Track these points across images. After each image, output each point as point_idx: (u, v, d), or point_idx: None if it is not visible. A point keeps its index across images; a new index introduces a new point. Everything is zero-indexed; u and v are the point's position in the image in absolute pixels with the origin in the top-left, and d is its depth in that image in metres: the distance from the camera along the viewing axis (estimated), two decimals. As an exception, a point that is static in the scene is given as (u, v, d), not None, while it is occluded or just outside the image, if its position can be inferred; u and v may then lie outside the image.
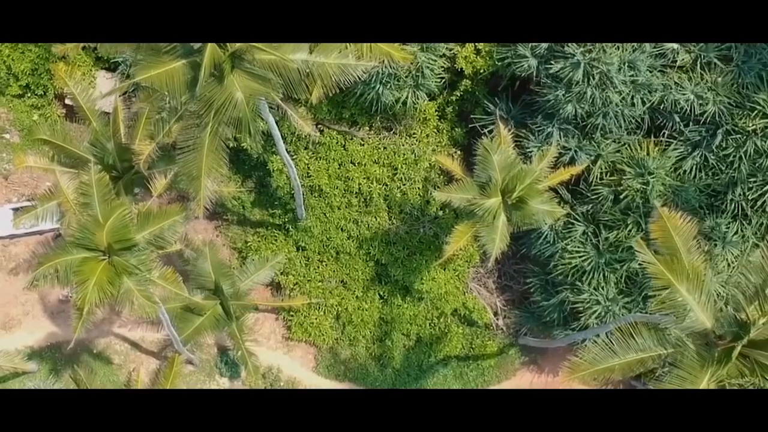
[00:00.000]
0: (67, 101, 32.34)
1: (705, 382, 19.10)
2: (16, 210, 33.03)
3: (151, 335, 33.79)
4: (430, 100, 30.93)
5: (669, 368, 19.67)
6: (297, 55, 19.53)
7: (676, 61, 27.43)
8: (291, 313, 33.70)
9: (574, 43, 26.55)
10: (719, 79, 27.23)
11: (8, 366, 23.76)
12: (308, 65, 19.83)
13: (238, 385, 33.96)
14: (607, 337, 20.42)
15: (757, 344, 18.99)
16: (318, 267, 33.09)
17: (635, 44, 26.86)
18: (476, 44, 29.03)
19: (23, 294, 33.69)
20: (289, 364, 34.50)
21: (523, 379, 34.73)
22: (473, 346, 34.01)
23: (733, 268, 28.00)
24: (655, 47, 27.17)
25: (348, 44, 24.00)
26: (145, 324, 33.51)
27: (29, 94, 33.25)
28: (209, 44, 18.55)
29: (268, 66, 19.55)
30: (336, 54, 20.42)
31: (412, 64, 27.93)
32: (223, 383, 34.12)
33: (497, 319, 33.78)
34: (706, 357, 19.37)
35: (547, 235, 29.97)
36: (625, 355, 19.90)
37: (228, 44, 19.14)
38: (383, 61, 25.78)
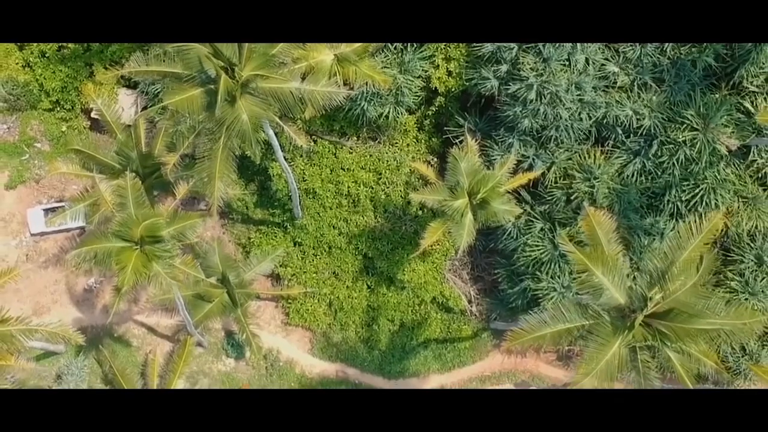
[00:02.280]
0: (92, 115, 37.91)
1: (616, 345, 24.61)
2: (46, 210, 38.75)
3: (165, 321, 39.21)
4: (409, 114, 36.54)
5: (588, 336, 25.20)
6: (291, 83, 25.12)
7: (617, 82, 33.01)
8: (289, 301, 39.15)
9: (528, 68, 32.13)
10: (654, 98, 32.79)
11: (62, 333, 29.00)
12: (300, 92, 25.42)
13: (242, 364, 39.36)
14: (542, 312, 25.91)
15: (657, 315, 24.54)
16: (313, 260, 38.56)
17: (581, 68, 32.43)
18: (448, 66, 34.63)
19: (52, 284, 39.27)
20: (288, 346, 39.85)
21: (495, 359, 40.09)
22: (450, 330, 39.42)
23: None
24: (598, 70, 32.78)
25: (335, 71, 29.74)
26: (160, 311, 39.17)
27: (58, 109, 38.90)
28: (223, 75, 24.14)
29: (269, 92, 25.18)
30: (323, 82, 26.00)
31: (392, 84, 33.53)
32: (229, 363, 39.50)
33: (471, 306, 39.25)
34: (618, 326, 24.92)
35: (510, 231, 35.48)
36: (555, 326, 25.39)
37: (237, 74, 24.75)
38: (367, 83, 31.54)
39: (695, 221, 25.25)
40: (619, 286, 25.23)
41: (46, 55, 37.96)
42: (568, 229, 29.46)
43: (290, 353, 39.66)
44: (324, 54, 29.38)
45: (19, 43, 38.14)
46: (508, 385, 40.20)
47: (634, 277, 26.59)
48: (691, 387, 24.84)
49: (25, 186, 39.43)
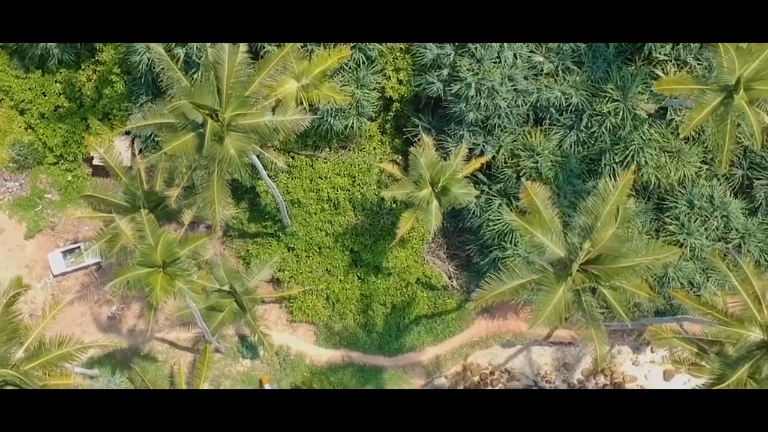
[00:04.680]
0: (94, 162, 44.41)
1: (561, 291, 31.18)
2: (65, 253, 45.23)
3: (184, 334, 45.66)
4: (371, 122, 43.12)
5: (538, 287, 31.81)
6: (265, 117, 31.66)
7: (543, 69, 39.63)
8: (290, 300, 45.64)
9: (465, 69, 38.70)
10: (577, 78, 39.42)
11: (110, 344, 35.53)
12: (273, 123, 31.97)
13: (258, 363, 45.82)
14: (499, 272, 32.50)
15: (589, 262, 31.16)
16: (306, 261, 45.07)
17: (510, 62, 39.01)
18: (398, 76, 41.21)
19: (80, 317, 45.66)
20: (295, 341, 46.32)
21: (481, 325, 46.65)
22: (437, 305, 45.98)
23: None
24: (525, 62, 39.36)
25: (301, 97, 36.26)
26: (178, 326, 45.64)
27: (62, 161, 45.36)
28: (209, 120, 30.64)
29: (248, 128, 31.74)
30: (291, 111, 32.52)
31: (352, 99, 40.05)
32: (246, 363, 45.98)
33: (452, 281, 45.82)
34: (561, 275, 31.54)
35: (474, 210, 42.04)
36: (510, 283, 32.00)
37: (221, 117, 31.24)
38: (330, 101, 38.09)
39: (610, 180, 31.85)
40: (558, 242, 31.85)
41: (45, 116, 44.43)
42: (522, 201, 35.80)
43: (299, 347, 46.09)
44: (289, 85, 35.89)
45: (19, 108, 44.55)
46: (496, 347, 46.83)
47: (566, 234, 33.10)
48: (626, 318, 31.41)
49: (42, 234, 45.84)
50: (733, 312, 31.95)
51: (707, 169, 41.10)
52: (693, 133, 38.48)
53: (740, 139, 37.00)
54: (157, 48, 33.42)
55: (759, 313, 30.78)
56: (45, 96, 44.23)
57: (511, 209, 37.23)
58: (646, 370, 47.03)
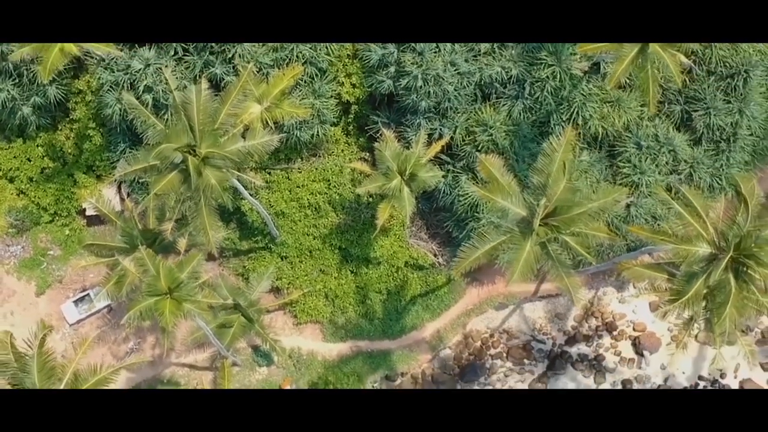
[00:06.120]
0: (87, 213, 48.58)
1: (528, 246, 35.49)
2: (76, 302, 49.41)
3: (200, 355, 49.82)
4: (334, 127, 47.41)
5: (508, 246, 36.17)
6: (237, 144, 35.95)
7: (481, 49, 43.98)
8: (293, 305, 49.85)
9: (410, 63, 43.01)
10: (513, 52, 43.80)
11: (138, 361, 39.91)
12: (246, 148, 36.27)
13: (274, 368, 50.04)
14: (471, 239, 36.82)
15: (548, 215, 35.54)
16: (300, 266, 49.30)
17: (450, 49, 43.31)
18: (351, 81, 45.53)
19: (101, 358, 49.65)
20: (305, 341, 50.52)
21: (472, 294, 51.04)
22: (428, 283, 50.32)
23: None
24: (463, 46, 43.68)
25: (265, 118, 40.51)
26: (194, 349, 49.88)
27: (57, 218, 49.50)
28: (189, 157, 34.88)
29: (224, 157, 36.02)
30: (260, 135, 36.80)
31: (313, 110, 44.31)
32: (263, 371, 50.20)
33: (437, 259, 50.13)
34: (526, 232, 35.92)
35: (444, 189, 46.35)
36: (483, 247, 36.35)
37: (198, 152, 35.47)
38: (292, 116, 42.38)
39: (554, 140, 36.23)
40: (519, 203, 36.21)
41: (34, 179, 48.59)
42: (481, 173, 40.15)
43: (309, 346, 50.29)
44: (253, 109, 40.17)
45: (8, 177, 48.70)
46: (491, 311, 51.23)
47: (526, 195, 37.46)
48: (590, 258, 35.82)
49: (52, 288, 49.97)
50: (683, 234, 36.34)
51: (648, 111, 45.51)
52: (627, 80, 43.11)
53: (665, 80, 41.30)
54: (128, 97, 37.71)
55: (705, 230, 35.21)
56: (30, 161, 48.44)
57: (476, 182, 41.69)
58: (633, 305, 51.49)
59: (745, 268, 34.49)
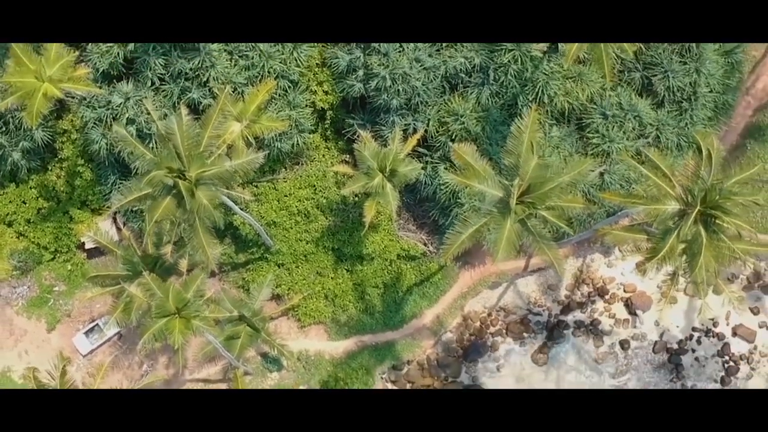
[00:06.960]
0: (86, 246, 50.93)
1: (509, 225, 38.00)
2: (86, 333, 51.77)
3: (213, 369, 52.14)
4: (313, 134, 49.85)
5: (490, 228, 38.67)
6: (224, 165, 38.40)
7: (442, 43, 46.43)
8: (295, 309, 52.21)
9: (377, 65, 45.44)
10: (474, 42, 46.28)
11: (155, 378, 42.29)
12: (232, 167, 38.75)
13: (284, 373, 52.46)
14: (454, 224, 39.29)
15: (524, 193, 38.05)
16: (297, 271, 51.69)
17: (413, 46, 45.77)
18: (322, 88, 47.98)
19: (117, 384, 52.23)
20: (311, 343, 52.85)
21: (466, 277, 53.49)
22: (422, 272, 52.72)
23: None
24: (425, 43, 46.17)
25: (246, 134, 42.96)
26: (206, 364, 52.26)
27: (58, 255, 51.83)
28: (180, 181, 37.31)
29: (213, 177, 38.49)
30: (244, 153, 39.27)
31: (290, 121, 46.75)
32: (274, 377, 52.61)
33: (428, 247, 52.59)
34: (504, 212, 38.42)
35: (425, 180, 48.84)
36: (466, 231, 38.86)
37: (188, 176, 37.90)
38: (272, 130, 44.83)
39: (520, 121, 38.72)
40: (494, 185, 38.72)
41: (31, 221, 50.94)
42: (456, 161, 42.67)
43: (315, 347, 52.62)
44: (234, 128, 42.62)
45: (6, 222, 51.05)
46: (486, 291, 53.74)
47: (501, 177, 39.96)
48: (567, 228, 38.35)
49: (61, 323, 52.32)
50: (655, 194, 38.91)
51: (607, 82, 48.07)
52: (585, 55, 45.62)
53: (620, 50, 43.79)
54: (118, 129, 40.08)
55: (671, 189, 37.80)
56: (25, 204, 50.77)
57: (454, 170, 44.13)
58: (620, 268, 54.08)
59: (713, 219, 37.04)
